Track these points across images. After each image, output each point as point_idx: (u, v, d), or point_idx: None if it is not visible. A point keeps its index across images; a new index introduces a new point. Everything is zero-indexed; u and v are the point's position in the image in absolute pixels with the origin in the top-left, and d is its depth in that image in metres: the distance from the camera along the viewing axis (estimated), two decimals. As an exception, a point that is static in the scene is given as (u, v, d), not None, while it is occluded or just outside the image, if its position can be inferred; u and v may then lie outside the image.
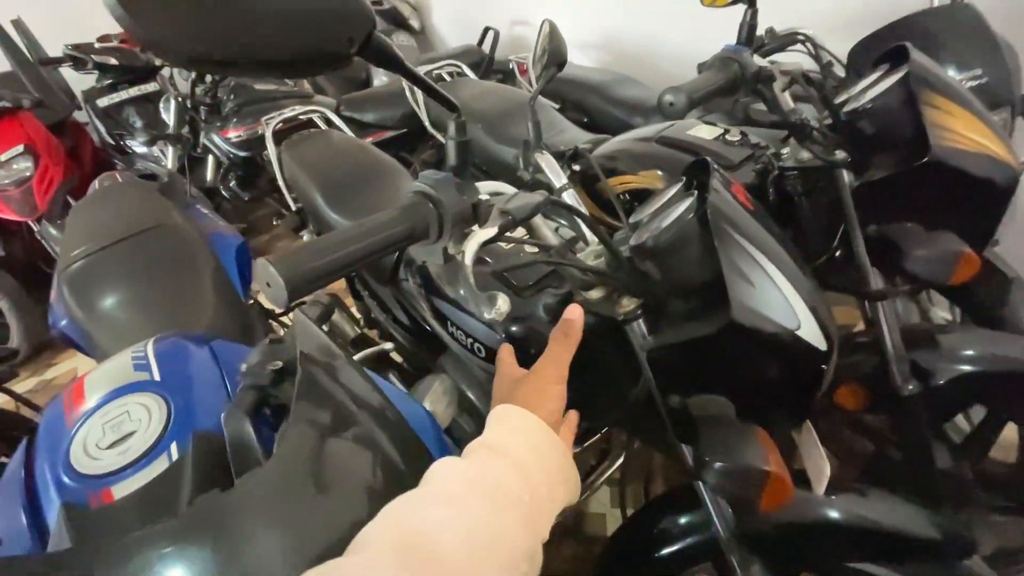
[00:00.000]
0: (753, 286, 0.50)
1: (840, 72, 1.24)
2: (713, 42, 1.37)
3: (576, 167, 1.10)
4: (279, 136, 1.59)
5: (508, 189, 0.62)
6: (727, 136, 1.02)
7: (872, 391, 0.98)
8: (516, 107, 1.61)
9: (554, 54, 0.91)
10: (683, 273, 0.56)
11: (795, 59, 1.35)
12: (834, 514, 0.72)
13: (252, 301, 1.34)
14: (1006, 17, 1.11)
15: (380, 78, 3.23)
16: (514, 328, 0.77)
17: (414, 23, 3.38)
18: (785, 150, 0.90)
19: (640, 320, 0.59)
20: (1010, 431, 1.03)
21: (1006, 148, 0.72)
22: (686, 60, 1.74)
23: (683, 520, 0.76)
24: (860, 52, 1.11)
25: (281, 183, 1.52)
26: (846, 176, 0.81)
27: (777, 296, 0.51)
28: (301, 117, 1.71)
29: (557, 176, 0.85)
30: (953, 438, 1.04)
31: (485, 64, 2.59)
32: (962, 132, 0.71)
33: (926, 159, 0.70)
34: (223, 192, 2.46)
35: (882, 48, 1.10)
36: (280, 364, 0.56)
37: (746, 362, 0.53)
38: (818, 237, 0.94)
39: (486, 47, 2.64)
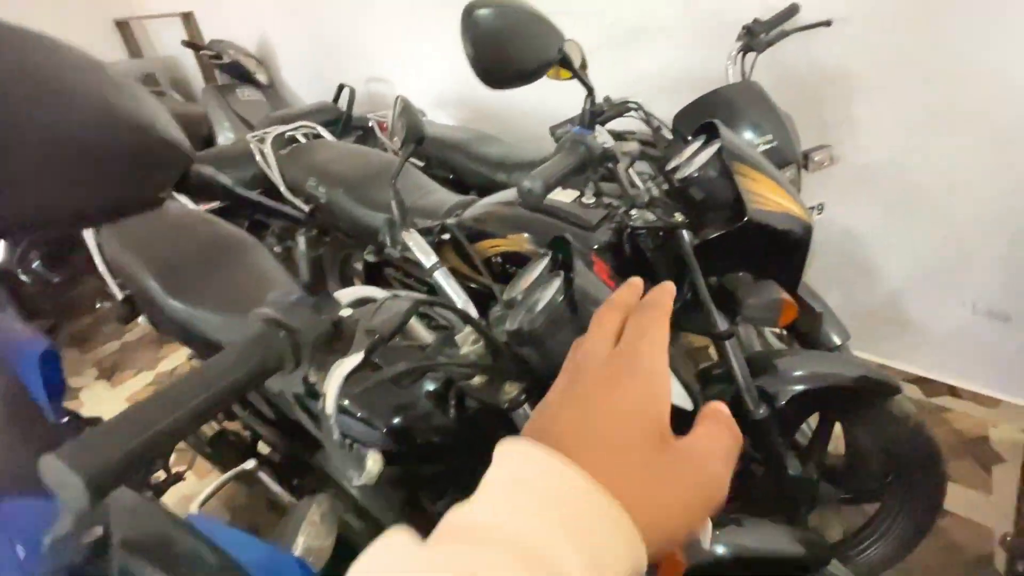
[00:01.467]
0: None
1: (668, 134, 1.42)
2: (561, 101, 1.50)
3: (446, 236, 1.10)
4: (97, 211, 1.36)
5: (376, 293, 0.55)
6: (583, 199, 1.09)
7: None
8: (378, 169, 1.58)
9: (411, 130, 0.91)
10: (560, 356, 0.58)
11: (630, 124, 1.52)
12: (721, 550, 0.77)
13: (68, 419, 1.09)
14: (784, 92, 1.38)
15: (226, 134, 2.97)
16: (396, 420, 0.73)
17: (261, 77, 3.20)
18: (634, 211, 0.99)
19: (525, 406, 0.59)
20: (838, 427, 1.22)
21: (800, 206, 0.87)
22: (538, 117, 1.88)
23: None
24: (681, 119, 1.28)
25: (101, 268, 1.29)
26: (686, 235, 0.91)
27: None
28: (125, 188, 1.48)
29: (426, 255, 0.83)
30: (801, 442, 1.20)
31: (343, 122, 2.53)
32: (767, 195, 0.84)
33: (744, 221, 0.80)
34: (23, 276, 2.03)
35: (698, 115, 1.29)
36: (100, 531, 0.44)
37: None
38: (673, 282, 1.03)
39: (342, 104, 2.58)
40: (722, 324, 0.96)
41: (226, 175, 2.10)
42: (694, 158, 0.92)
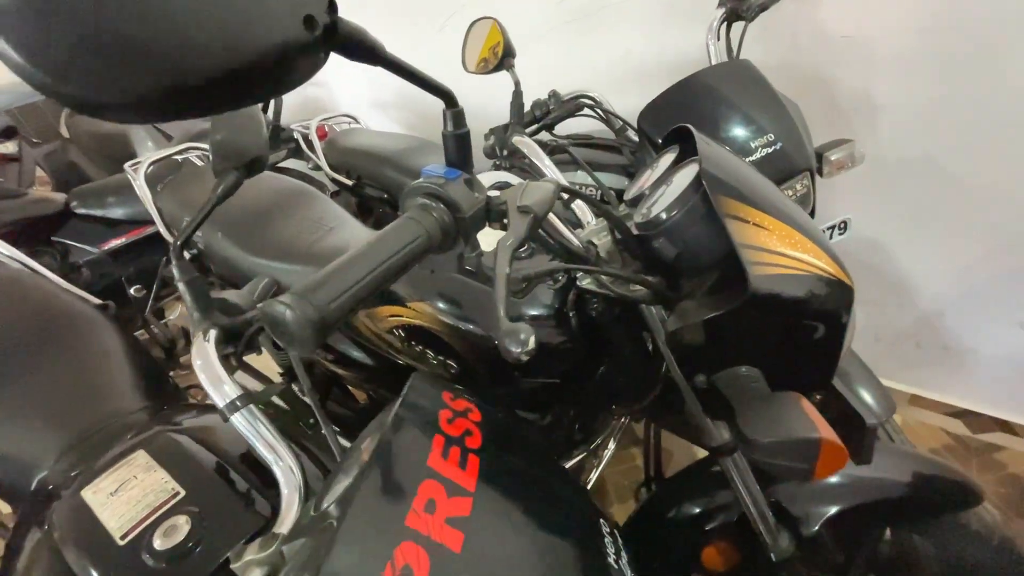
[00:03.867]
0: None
1: (635, 135, 1.08)
2: (533, 90, 1.16)
3: None
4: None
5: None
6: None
7: (742, 548, 0.78)
8: (273, 202, 1.24)
9: (227, 153, 0.60)
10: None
11: (588, 126, 1.18)
12: None
13: None
14: (784, 73, 1.04)
15: (145, 149, 2.61)
16: None
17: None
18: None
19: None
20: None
21: (835, 263, 0.54)
22: (488, 117, 1.54)
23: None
24: (648, 117, 0.95)
25: None
26: (653, 311, 0.58)
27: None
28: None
29: (217, 387, 0.50)
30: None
31: (269, 135, 2.17)
32: (782, 250, 0.51)
33: (745, 298, 0.48)
34: None
35: (670, 111, 0.95)
36: None
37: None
38: (640, 372, 0.71)
39: (271, 113, 2.23)
40: (720, 435, 0.64)
41: (127, 206, 1.75)
42: (658, 190, 0.59)
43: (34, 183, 2.73)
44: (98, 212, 1.98)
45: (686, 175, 0.56)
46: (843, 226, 0.99)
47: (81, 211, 1.97)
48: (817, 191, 0.94)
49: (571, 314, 0.71)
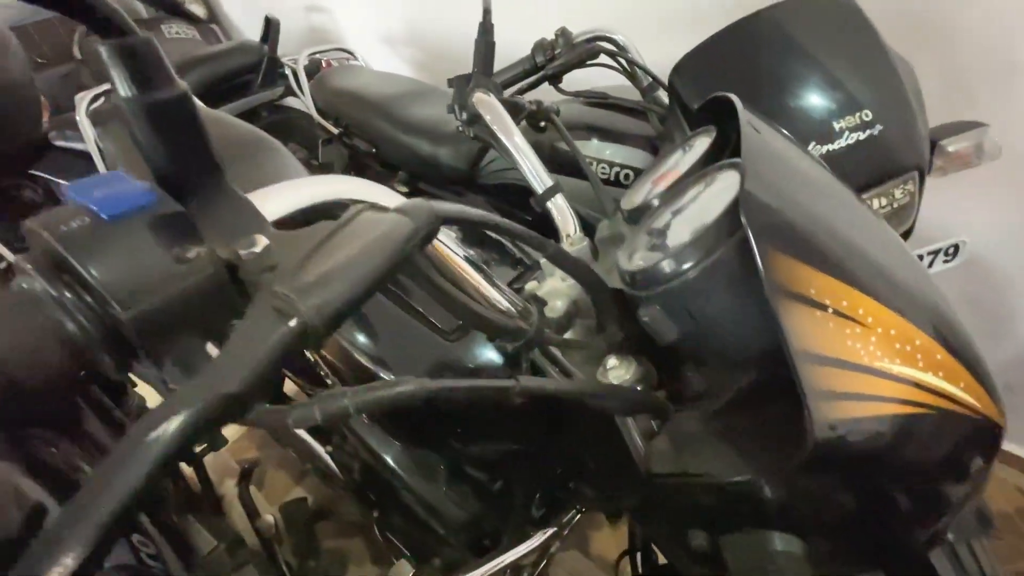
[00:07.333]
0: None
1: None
2: (537, 27, 0.89)
3: None
4: None
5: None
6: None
7: None
8: (253, 149, 1.01)
9: None
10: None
11: (604, 79, 0.89)
12: None
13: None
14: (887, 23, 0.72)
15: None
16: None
17: (197, 10, 2.60)
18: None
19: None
20: None
21: (982, 386, 0.28)
22: (508, 54, 1.25)
23: None
24: (685, 73, 0.66)
25: None
26: (631, 423, 0.34)
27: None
28: None
29: None
30: None
31: (264, 68, 1.93)
32: (886, 368, 0.26)
33: (802, 455, 0.24)
34: None
35: (717, 67, 0.67)
36: None
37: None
38: (615, 468, 0.48)
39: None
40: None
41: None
42: (675, 203, 0.34)
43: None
44: (80, 146, 1.82)
45: (718, 194, 0.30)
46: (952, 251, 0.70)
47: (60, 143, 1.81)
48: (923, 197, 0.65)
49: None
